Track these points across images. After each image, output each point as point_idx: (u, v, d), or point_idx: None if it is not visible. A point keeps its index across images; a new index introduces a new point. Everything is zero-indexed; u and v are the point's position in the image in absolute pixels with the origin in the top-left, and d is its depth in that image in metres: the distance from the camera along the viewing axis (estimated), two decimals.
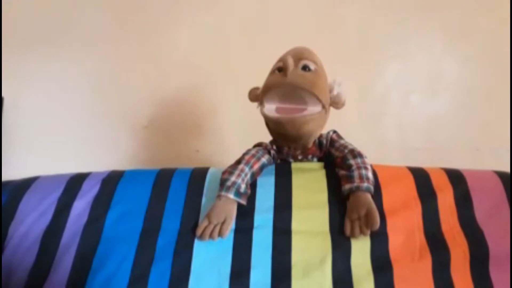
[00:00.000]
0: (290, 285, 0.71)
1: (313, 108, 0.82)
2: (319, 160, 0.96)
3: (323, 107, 0.83)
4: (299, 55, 0.86)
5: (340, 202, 0.81)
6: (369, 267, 0.73)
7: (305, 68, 0.83)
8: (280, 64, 0.84)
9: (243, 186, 0.83)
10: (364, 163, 0.84)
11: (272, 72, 0.87)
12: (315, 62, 0.86)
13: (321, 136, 0.94)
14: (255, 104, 0.94)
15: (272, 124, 0.86)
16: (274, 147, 0.96)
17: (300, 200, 0.82)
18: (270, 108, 0.83)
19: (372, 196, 0.80)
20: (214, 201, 0.82)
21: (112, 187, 0.88)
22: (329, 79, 0.90)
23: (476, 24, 1.52)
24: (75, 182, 0.89)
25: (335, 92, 0.87)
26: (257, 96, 0.92)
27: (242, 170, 0.85)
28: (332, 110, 0.91)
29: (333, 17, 1.58)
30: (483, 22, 1.52)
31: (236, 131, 1.53)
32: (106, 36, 1.59)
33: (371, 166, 0.86)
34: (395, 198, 0.82)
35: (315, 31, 1.54)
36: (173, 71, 1.57)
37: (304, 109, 0.81)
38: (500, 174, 0.86)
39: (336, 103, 0.88)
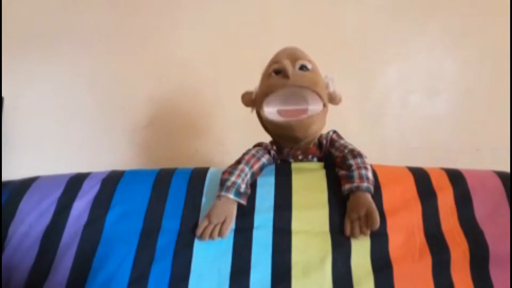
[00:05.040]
0: (290, 285, 0.71)
1: (315, 108, 0.82)
2: (319, 160, 0.96)
3: (324, 105, 0.84)
4: (293, 56, 0.86)
5: (340, 202, 0.81)
6: (369, 267, 0.73)
7: (303, 68, 0.84)
8: (276, 66, 0.84)
9: (243, 186, 0.83)
10: (364, 163, 0.84)
11: (269, 75, 0.85)
12: (309, 61, 0.86)
13: (321, 136, 0.94)
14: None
15: (277, 129, 0.84)
16: (274, 147, 0.95)
17: (300, 200, 0.82)
18: (271, 111, 0.83)
19: (372, 196, 0.80)
20: (214, 201, 0.82)
21: (112, 187, 0.88)
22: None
23: (476, 24, 1.52)
24: (75, 182, 0.89)
25: (331, 89, 0.88)
26: (251, 101, 0.91)
27: (242, 170, 0.85)
28: (332, 110, 0.91)
29: (333, 17, 1.58)
30: (483, 23, 1.52)
31: (236, 131, 1.53)
32: (106, 36, 1.59)
33: (371, 166, 0.86)
34: (395, 198, 0.82)
35: (315, 31, 1.54)
36: (173, 71, 1.57)
37: (306, 109, 0.82)
38: (500, 174, 0.86)
39: (333, 99, 0.89)
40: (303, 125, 0.81)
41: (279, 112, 0.83)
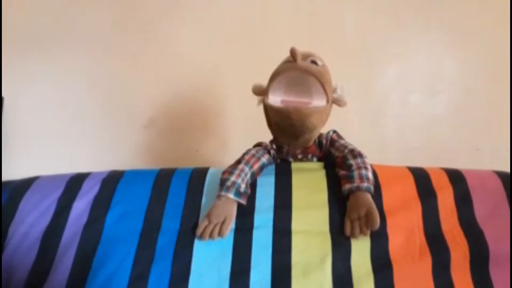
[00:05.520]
0: (290, 285, 0.71)
1: (318, 102, 0.81)
2: (319, 160, 0.96)
3: (327, 101, 0.82)
4: (306, 53, 0.85)
5: (340, 202, 0.81)
6: (369, 267, 0.73)
7: (313, 62, 0.83)
8: (289, 58, 0.83)
9: (243, 186, 0.83)
10: (364, 163, 0.84)
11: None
12: (321, 60, 0.86)
13: (321, 136, 0.94)
14: (255, 104, 0.94)
15: (276, 116, 0.83)
16: (274, 146, 0.96)
17: (300, 200, 0.82)
18: (275, 100, 0.82)
19: (372, 196, 0.80)
20: (214, 201, 0.82)
21: (112, 187, 0.88)
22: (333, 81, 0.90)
23: (476, 24, 1.53)
24: (75, 182, 0.89)
25: (338, 92, 0.88)
26: (261, 90, 0.91)
27: (242, 170, 0.85)
28: (332, 110, 0.91)
29: (333, 17, 1.58)
30: (483, 22, 1.52)
31: (236, 131, 1.53)
32: (106, 35, 1.59)
33: (371, 166, 0.86)
34: (395, 198, 0.82)
35: (315, 31, 1.54)
36: (173, 71, 1.57)
37: (309, 103, 0.80)
38: (500, 174, 0.86)
39: (339, 100, 0.88)
40: (301, 114, 0.79)
41: (282, 102, 0.82)
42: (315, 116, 0.81)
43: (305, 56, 0.84)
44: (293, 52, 0.79)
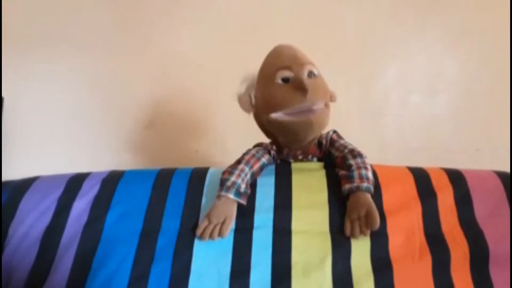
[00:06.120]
0: (290, 285, 0.71)
1: (318, 107, 0.85)
2: (319, 160, 0.96)
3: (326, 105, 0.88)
4: (298, 60, 0.86)
5: (340, 202, 0.81)
6: (369, 267, 0.73)
7: (311, 74, 0.85)
8: (286, 74, 0.83)
9: (243, 186, 0.83)
10: (364, 163, 0.84)
11: (275, 83, 0.85)
12: (312, 64, 0.87)
13: (321, 136, 0.94)
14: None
15: (292, 127, 0.84)
16: (274, 147, 0.95)
17: (300, 200, 0.82)
18: (279, 115, 0.84)
19: (372, 196, 0.80)
20: (214, 201, 0.82)
21: (112, 187, 0.88)
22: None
23: (476, 24, 1.53)
24: (75, 182, 0.89)
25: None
26: (251, 105, 0.91)
27: (242, 170, 0.85)
28: (332, 110, 0.91)
29: (333, 17, 1.58)
30: (483, 22, 1.52)
31: (236, 131, 1.52)
32: (106, 36, 1.59)
33: (371, 166, 0.86)
34: (395, 198, 0.82)
35: (315, 31, 1.54)
36: (173, 71, 1.57)
37: (311, 109, 0.83)
38: (500, 174, 0.86)
39: (331, 96, 0.91)
40: (320, 118, 0.84)
41: (286, 114, 0.84)
42: (327, 119, 0.87)
43: (300, 65, 0.85)
44: (303, 86, 0.80)
